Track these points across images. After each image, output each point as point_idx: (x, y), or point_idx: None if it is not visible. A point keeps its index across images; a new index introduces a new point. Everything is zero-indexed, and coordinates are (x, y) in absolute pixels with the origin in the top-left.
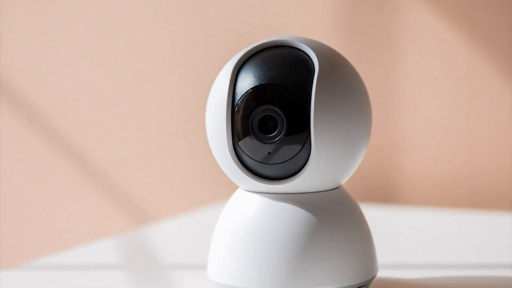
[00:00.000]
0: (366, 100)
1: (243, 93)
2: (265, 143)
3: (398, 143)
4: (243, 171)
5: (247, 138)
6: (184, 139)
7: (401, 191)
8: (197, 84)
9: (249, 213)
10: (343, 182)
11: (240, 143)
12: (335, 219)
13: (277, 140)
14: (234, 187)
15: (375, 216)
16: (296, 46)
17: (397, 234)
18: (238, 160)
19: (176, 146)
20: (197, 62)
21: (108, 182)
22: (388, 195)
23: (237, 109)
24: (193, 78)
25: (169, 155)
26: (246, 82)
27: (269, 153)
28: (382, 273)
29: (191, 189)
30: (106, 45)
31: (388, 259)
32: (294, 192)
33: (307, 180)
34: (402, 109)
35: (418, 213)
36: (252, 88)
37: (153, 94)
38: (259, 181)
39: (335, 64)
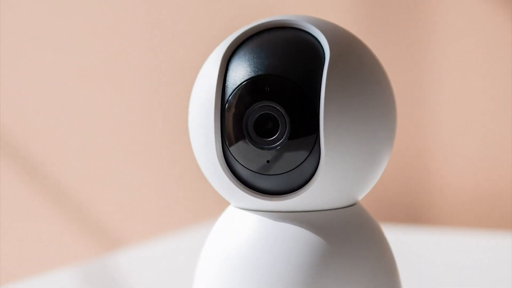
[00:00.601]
0: (389, 97)
1: (236, 86)
2: (263, 149)
3: (428, 150)
4: (235, 184)
5: (240, 143)
6: (161, 145)
7: (432, 209)
8: (178, 77)
9: (243, 236)
10: (360, 198)
11: (231, 149)
12: (351, 244)
13: (278, 145)
14: (225, 204)
15: (400, 240)
16: (302, 28)
17: (426, 261)
18: (229, 170)
19: (152, 154)
20: (177, 49)
21: (70, 201)
22: (415, 214)
23: (228, 106)
24: (173, 70)
25: (143, 165)
26: (239, 72)
27: (268, 161)
28: None
29: (171, 207)
30: (67, 32)
31: None
32: (299, 210)
33: (315, 195)
34: (433, 110)
35: (452, 236)
36: (246, 80)
37: (123, 90)
38: (255, 197)
39: (352, 51)
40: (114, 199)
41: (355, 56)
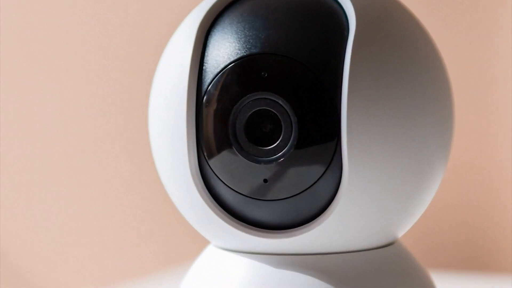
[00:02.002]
0: (445, 91)
1: (218, 71)
2: (258, 162)
3: (497, 171)
4: (217, 214)
5: (225, 154)
6: (109, 159)
7: (499, 252)
8: (131, 61)
9: None
10: (401, 234)
11: (212, 162)
12: None
13: (281, 157)
14: (202, 243)
15: None
16: None
17: None
18: (208, 194)
19: (96, 172)
20: (127, 18)
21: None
22: (477, 259)
23: (206, 100)
24: (123, 49)
25: (84, 190)
26: (223, 50)
27: (265, 180)
28: None
29: (124, 251)
30: None
31: None
32: (311, 252)
33: (335, 230)
34: (503, 114)
35: None
36: (234, 62)
37: (56, 84)
38: (247, 232)
39: (390, 21)
40: (47, 242)
41: (395, 29)
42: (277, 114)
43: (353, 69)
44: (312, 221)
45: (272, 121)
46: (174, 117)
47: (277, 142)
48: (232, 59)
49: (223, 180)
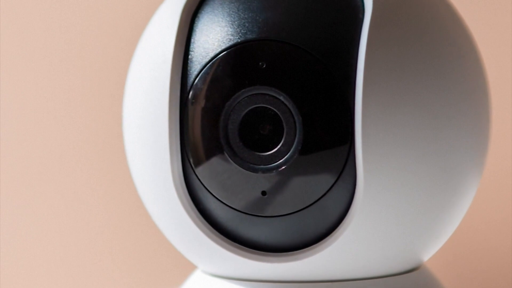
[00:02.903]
0: (480, 87)
1: (206, 61)
2: (255, 171)
3: None
4: (206, 233)
5: (215, 161)
6: (77, 166)
7: None
8: (102, 53)
9: None
10: (427, 258)
11: (199, 171)
12: None
13: (282, 165)
14: (188, 268)
15: None
16: None
17: None
18: (195, 209)
19: (60, 183)
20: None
21: None
22: None
23: (192, 97)
24: (95, 39)
25: (49, 205)
26: (213, 36)
27: (263, 193)
28: None
29: (97, 276)
30: None
31: None
32: (318, 279)
33: (348, 252)
34: None
35: None
36: (225, 50)
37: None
38: (242, 255)
39: (414, 2)
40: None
41: (419, 10)
42: (278, 112)
43: (370, 58)
44: (320, 242)
45: (272, 122)
46: (154, 117)
47: (278, 146)
48: (223, 47)
49: (213, 193)
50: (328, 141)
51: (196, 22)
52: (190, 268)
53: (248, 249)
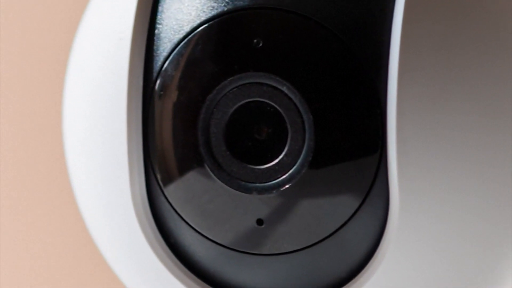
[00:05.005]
0: None
1: (180, 38)
2: (247, 190)
3: None
4: (179, 278)
5: (191, 178)
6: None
7: None
8: (35, 31)
9: None
10: None
11: (170, 191)
12: None
13: (285, 183)
14: None
15: None
16: None
17: None
18: (164, 243)
19: None
20: None
21: None
22: None
23: (160, 87)
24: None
25: None
26: (188, 4)
27: (259, 221)
28: None
29: None
30: None
31: None
32: None
33: None
34: None
35: None
36: (206, 23)
37: None
38: None
39: None
40: None
41: None
42: (280, 109)
43: (408, 34)
44: None
45: (272, 122)
46: (106, 116)
47: (280, 157)
48: (203, 18)
49: (188, 222)
50: (349, 150)
51: None
52: None
53: None
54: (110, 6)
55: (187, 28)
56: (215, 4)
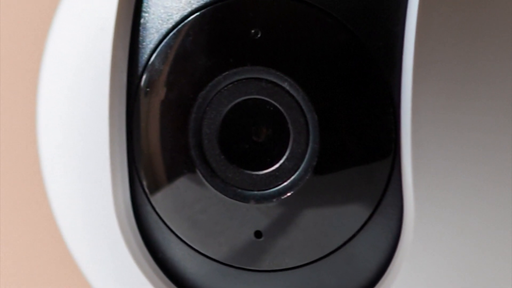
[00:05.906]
0: None
1: (169, 28)
2: (245, 199)
3: None
4: None
5: (181, 184)
6: None
7: None
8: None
9: None
10: None
11: (157, 200)
12: None
13: (286, 191)
14: None
15: None
16: None
17: None
18: (150, 259)
19: None
20: None
21: None
22: None
23: (147, 83)
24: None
25: None
26: None
27: (258, 234)
28: None
29: None
30: None
31: None
32: None
33: None
34: None
35: None
36: (197, 11)
37: None
38: None
39: None
40: None
41: None
42: (281, 108)
43: (424, 24)
44: None
45: (272, 123)
46: (86, 116)
47: (281, 161)
48: (195, 5)
49: (178, 234)
50: (358, 153)
51: None
52: None
53: None
54: (85, 2)
55: (176, 17)
56: None
